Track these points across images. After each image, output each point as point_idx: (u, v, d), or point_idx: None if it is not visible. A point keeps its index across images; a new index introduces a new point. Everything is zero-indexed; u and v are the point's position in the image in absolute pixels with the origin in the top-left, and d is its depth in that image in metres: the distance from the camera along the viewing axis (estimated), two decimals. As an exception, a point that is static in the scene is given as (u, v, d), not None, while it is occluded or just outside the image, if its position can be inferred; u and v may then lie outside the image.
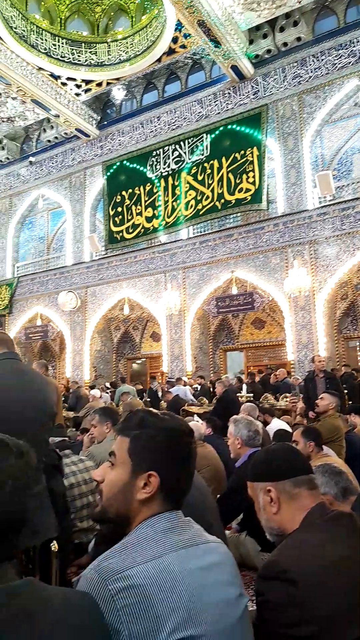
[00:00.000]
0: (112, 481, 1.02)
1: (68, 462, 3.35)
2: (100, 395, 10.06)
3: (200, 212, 12.33)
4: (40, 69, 12.20)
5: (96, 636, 0.76)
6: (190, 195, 12.57)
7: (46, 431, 2.14)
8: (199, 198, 12.40)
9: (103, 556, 0.92)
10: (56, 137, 15.33)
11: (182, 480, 1.03)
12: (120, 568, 0.87)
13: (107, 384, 12.75)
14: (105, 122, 14.57)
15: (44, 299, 15.18)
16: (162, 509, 0.99)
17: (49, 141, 15.56)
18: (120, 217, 13.65)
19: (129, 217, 13.48)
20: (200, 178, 12.47)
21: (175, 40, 11.47)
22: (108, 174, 14.06)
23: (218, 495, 3.09)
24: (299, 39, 11.40)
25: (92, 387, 11.76)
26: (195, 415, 6.91)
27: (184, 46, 11.73)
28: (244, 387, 9.80)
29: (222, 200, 12.00)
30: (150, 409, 1.09)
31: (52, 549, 1.99)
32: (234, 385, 9.63)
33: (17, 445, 0.79)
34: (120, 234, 13.59)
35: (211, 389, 10.79)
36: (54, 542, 1.99)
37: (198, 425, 4.32)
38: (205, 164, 12.42)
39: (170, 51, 11.83)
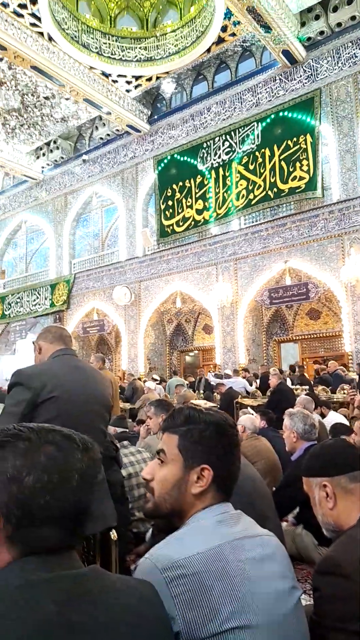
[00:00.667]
0: (165, 477, 1.04)
1: (126, 453, 3.45)
2: (155, 387, 10.24)
3: (252, 202, 12.12)
4: (91, 68, 12.41)
5: (157, 622, 0.78)
6: (241, 185, 12.39)
7: (104, 424, 2.23)
8: (250, 188, 12.20)
9: (158, 546, 0.95)
10: (108, 134, 15.56)
11: (232, 470, 1.06)
12: (175, 557, 0.89)
13: (155, 376, 12.90)
14: (156, 117, 14.62)
15: (100, 294, 15.54)
16: (215, 501, 1.02)
17: (101, 139, 15.81)
18: (171, 210, 13.68)
19: (180, 210, 13.48)
20: (251, 167, 12.24)
21: (224, 29, 11.30)
22: (159, 168, 14.11)
23: (274, 488, 3.09)
24: (353, 17, 10.92)
25: (139, 379, 11.97)
26: (249, 407, 6.88)
27: (233, 34, 11.55)
28: (288, 380, 9.61)
29: (275, 190, 11.74)
30: (194, 403, 1.12)
31: (112, 537, 2.06)
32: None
33: (83, 440, 0.81)
34: (171, 227, 13.64)
35: (257, 382, 10.68)
36: (113, 530, 2.06)
37: (253, 418, 4.31)
38: (257, 153, 12.18)
39: (220, 40, 11.67)
